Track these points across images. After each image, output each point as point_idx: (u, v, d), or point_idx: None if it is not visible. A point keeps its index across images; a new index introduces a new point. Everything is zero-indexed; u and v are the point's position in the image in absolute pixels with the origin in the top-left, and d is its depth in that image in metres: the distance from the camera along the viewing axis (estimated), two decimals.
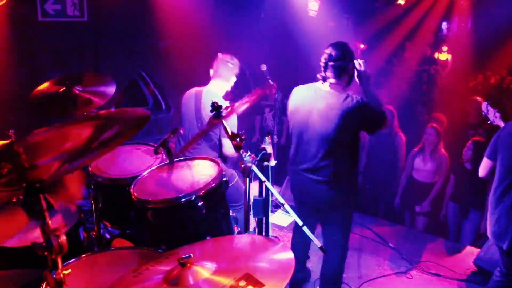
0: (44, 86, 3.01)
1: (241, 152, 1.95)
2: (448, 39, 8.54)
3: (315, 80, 3.04)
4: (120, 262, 1.95)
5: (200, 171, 2.51)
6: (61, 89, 2.93)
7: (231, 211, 2.55)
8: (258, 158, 1.98)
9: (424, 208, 4.87)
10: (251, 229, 2.16)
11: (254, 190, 2.07)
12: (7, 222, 1.34)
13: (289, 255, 1.52)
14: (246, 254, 1.67)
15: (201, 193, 2.24)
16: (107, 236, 3.11)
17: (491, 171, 3.11)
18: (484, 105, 3.40)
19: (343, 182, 2.97)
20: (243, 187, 1.99)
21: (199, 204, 2.21)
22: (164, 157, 2.73)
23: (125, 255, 2.04)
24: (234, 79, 3.48)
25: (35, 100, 2.94)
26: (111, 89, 3.03)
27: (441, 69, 8.13)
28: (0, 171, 1.16)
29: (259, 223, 2.06)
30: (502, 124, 3.27)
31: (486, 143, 3.26)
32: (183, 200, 2.22)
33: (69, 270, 1.33)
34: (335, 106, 2.83)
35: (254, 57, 5.67)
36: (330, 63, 2.85)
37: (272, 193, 1.99)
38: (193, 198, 2.22)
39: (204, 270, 1.43)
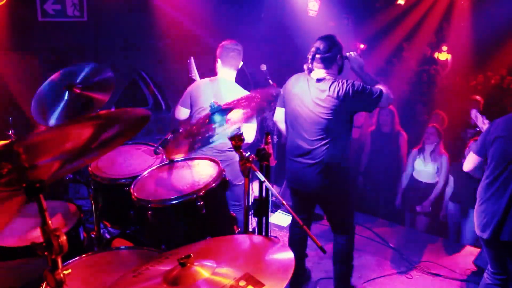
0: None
1: (240, 152, 1.95)
2: (448, 39, 8.53)
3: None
4: (120, 262, 1.95)
5: (200, 171, 2.51)
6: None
7: (231, 211, 2.56)
8: (258, 158, 1.98)
9: (425, 208, 4.87)
10: (251, 229, 2.15)
11: (254, 190, 2.07)
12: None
13: (289, 255, 1.52)
14: (246, 254, 1.67)
15: (201, 193, 2.24)
16: (107, 236, 3.11)
17: (478, 167, 3.07)
18: (473, 112, 3.29)
19: (336, 165, 3.10)
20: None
21: (199, 204, 2.22)
22: (164, 157, 2.73)
23: (125, 255, 2.04)
24: (241, 63, 3.51)
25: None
26: (110, 78, 2.98)
27: (441, 69, 8.12)
28: (0, 171, 1.16)
29: (259, 223, 2.05)
30: None
31: None
32: (183, 200, 2.22)
33: (69, 270, 1.33)
34: (325, 92, 3.00)
35: (254, 57, 5.66)
36: (318, 56, 3.06)
37: (272, 193, 1.99)
38: (193, 198, 2.22)
39: (204, 270, 1.43)
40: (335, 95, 2.96)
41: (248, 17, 6.51)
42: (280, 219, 4.86)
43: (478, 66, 7.94)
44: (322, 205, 3.36)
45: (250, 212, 2.31)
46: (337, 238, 3.34)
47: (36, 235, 1.71)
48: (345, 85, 2.97)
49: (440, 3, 7.97)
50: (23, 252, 2.09)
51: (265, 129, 6.05)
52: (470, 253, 4.22)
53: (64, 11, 5.08)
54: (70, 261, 1.91)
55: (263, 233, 2.06)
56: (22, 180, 1.23)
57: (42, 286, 1.62)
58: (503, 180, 2.84)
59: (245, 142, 3.51)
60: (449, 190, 4.79)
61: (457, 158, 4.71)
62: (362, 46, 8.14)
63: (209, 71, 3.70)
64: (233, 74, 3.46)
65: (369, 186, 5.42)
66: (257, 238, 1.82)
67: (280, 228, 4.68)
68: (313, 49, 3.08)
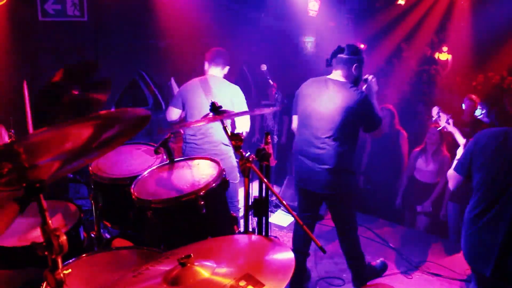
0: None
1: (240, 152, 1.96)
2: (448, 39, 8.54)
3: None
4: (120, 262, 1.95)
5: (200, 171, 2.51)
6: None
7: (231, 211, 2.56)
8: (258, 158, 1.98)
9: (425, 208, 4.87)
10: (251, 229, 2.15)
11: (254, 190, 2.07)
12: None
13: (289, 255, 1.52)
14: (246, 254, 1.67)
15: (201, 193, 2.24)
16: (107, 236, 3.11)
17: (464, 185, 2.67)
18: (435, 110, 3.10)
19: (343, 165, 3.18)
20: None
21: (200, 204, 2.21)
22: (164, 157, 2.73)
23: (125, 255, 2.04)
24: (227, 68, 3.76)
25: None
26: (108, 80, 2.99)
27: (441, 69, 8.12)
28: (0, 171, 1.16)
29: (259, 223, 2.05)
30: (455, 132, 3.01)
31: None
32: (184, 200, 2.22)
33: (69, 270, 1.33)
34: (341, 94, 3.10)
35: (254, 57, 5.67)
36: (340, 55, 3.16)
37: (272, 193, 1.99)
38: (194, 198, 2.22)
39: (204, 270, 1.43)
40: (350, 100, 3.06)
41: (248, 17, 6.51)
42: (280, 219, 4.86)
43: (478, 66, 7.94)
44: (328, 204, 3.43)
45: (250, 212, 2.31)
46: (342, 236, 3.43)
47: (36, 235, 1.72)
48: (363, 95, 3.10)
49: (440, 3, 7.97)
50: (23, 252, 2.09)
51: (265, 129, 6.06)
52: None
53: (64, 11, 5.09)
54: (70, 261, 1.91)
55: (263, 233, 2.06)
56: (22, 180, 1.23)
57: (42, 286, 1.62)
58: (496, 213, 2.37)
59: (242, 131, 3.64)
60: (449, 190, 4.79)
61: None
62: (362, 46, 8.16)
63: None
64: (220, 71, 3.71)
65: (369, 186, 5.43)
66: (257, 238, 1.82)
67: (280, 228, 4.68)
68: (336, 47, 3.21)
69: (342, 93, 3.10)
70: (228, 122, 3.35)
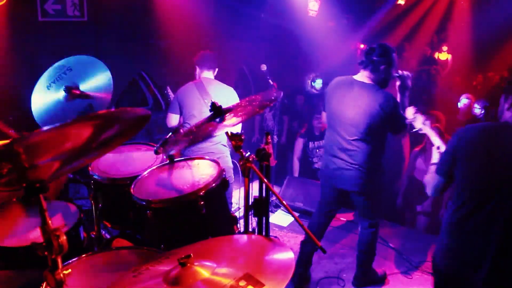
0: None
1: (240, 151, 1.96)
2: (448, 39, 8.54)
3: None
4: (120, 262, 1.95)
5: (200, 171, 2.51)
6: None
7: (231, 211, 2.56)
8: (258, 158, 1.98)
9: (425, 208, 4.87)
10: (251, 229, 2.15)
11: (254, 190, 2.07)
12: (3, 220, 1.34)
13: (289, 255, 1.52)
14: (246, 254, 1.67)
15: (201, 193, 2.24)
16: (107, 236, 3.11)
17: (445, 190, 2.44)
18: (410, 110, 2.96)
19: (370, 164, 3.24)
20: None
21: (199, 204, 2.21)
22: (164, 157, 2.73)
23: (125, 255, 2.04)
24: (217, 70, 3.87)
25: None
26: (109, 80, 3.00)
27: (441, 69, 8.12)
28: (0, 171, 1.16)
29: (259, 223, 2.05)
30: (432, 135, 2.81)
31: None
32: (183, 200, 2.22)
33: (69, 270, 1.33)
34: (365, 97, 3.12)
35: (254, 57, 5.67)
36: (369, 56, 3.16)
37: (272, 193, 1.99)
38: (193, 198, 2.22)
39: (204, 270, 1.43)
40: (375, 103, 3.09)
41: (248, 17, 6.51)
42: (280, 219, 4.86)
43: (478, 66, 7.94)
44: (354, 200, 3.48)
45: (250, 212, 2.31)
46: (364, 229, 3.49)
47: (37, 235, 1.72)
48: (388, 98, 3.11)
49: (440, 3, 7.97)
50: (23, 252, 2.09)
51: (265, 129, 6.06)
52: None
53: (64, 11, 5.09)
54: (70, 261, 1.91)
55: (263, 233, 2.06)
56: (22, 180, 1.24)
57: (42, 286, 1.62)
58: (487, 214, 2.10)
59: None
60: (449, 189, 4.78)
61: None
62: (362, 46, 8.16)
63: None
64: (211, 74, 3.82)
65: None
66: (257, 238, 1.82)
67: (280, 228, 4.68)
68: (367, 48, 3.23)
69: (367, 96, 3.12)
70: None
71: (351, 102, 3.17)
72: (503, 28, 7.21)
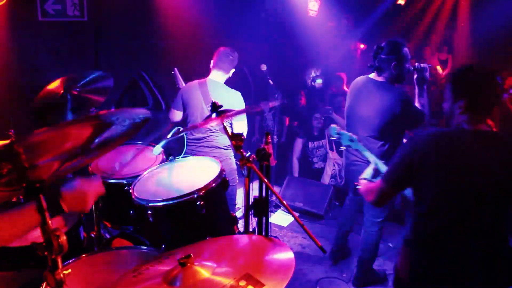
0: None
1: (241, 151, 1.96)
2: (448, 39, 8.55)
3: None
4: (120, 262, 1.95)
5: (200, 171, 2.51)
6: (60, 92, 2.92)
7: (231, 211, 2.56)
8: (258, 158, 1.98)
9: None
10: (251, 229, 2.16)
11: (254, 190, 2.08)
12: (11, 223, 1.34)
13: (289, 255, 1.52)
14: (246, 254, 1.67)
15: (201, 193, 2.24)
16: (107, 236, 3.11)
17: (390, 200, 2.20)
18: (333, 128, 2.84)
19: (385, 160, 3.25)
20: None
21: (199, 204, 2.22)
22: (164, 157, 2.74)
23: (125, 255, 2.04)
24: (233, 70, 3.67)
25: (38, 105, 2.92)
26: (109, 83, 3.02)
27: (441, 69, 8.13)
28: (0, 171, 1.16)
29: (259, 223, 2.05)
30: (364, 150, 2.77)
31: None
32: (183, 200, 2.22)
33: (69, 270, 1.33)
34: (378, 95, 3.18)
35: (254, 57, 5.67)
36: (377, 56, 3.23)
37: (272, 193, 1.99)
38: (193, 198, 2.22)
39: (204, 270, 1.43)
40: (388, 101, 3.13)
41: (248, 17, 6.51)
42: (280, 219, 4.86)
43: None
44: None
45: (250, 212, 2.31)
46: (368, 228, 3.53)
47: (37, 235, 1.72)
48: (400, 95, 3.14)
49: (440, 3, 7.98)
50: (23, 252, 2.09)
51: (265, 129, 6.06)
52: None
53: (64, 11, 5.08)
54: (70, 261, 1.91)
55: (263, 233, 2.06)
56: (22, 180, 1.24)
57: (42, 286, 1.62)
58: (466, 228, 1.89)
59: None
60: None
61: None
62: (362, 46, 8.17)
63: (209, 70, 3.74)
64: (223, 77, 3.63)
65: None
66: (257, 238, 1.82)
67: (280, 228, 4.68)
68: (376, 47, 3.29)
69: (378, 94, 3.18)
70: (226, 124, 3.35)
71: (364, 101, 3.27)
72: (503, 28, 7.21)
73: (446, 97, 2.01)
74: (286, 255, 1.53)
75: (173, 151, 2.72)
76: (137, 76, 5.63)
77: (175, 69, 4.07)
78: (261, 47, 6.53)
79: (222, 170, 2.41)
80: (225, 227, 2.45)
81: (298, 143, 5.68)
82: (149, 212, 2.26)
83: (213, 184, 2.30)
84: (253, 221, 2.07)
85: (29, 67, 4.99)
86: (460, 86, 1.96)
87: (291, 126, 6.24)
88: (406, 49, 3.24)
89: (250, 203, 2.02)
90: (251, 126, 6.31)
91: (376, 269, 3.74)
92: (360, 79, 3.42)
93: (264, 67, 4.63)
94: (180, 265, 1.43)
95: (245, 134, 3.61)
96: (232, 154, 3.72)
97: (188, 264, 1.43)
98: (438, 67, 8.15)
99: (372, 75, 3.32)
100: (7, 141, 1.10)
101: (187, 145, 3.75)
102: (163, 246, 2.28)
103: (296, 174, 5.70)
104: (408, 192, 2.13)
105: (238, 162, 2.87)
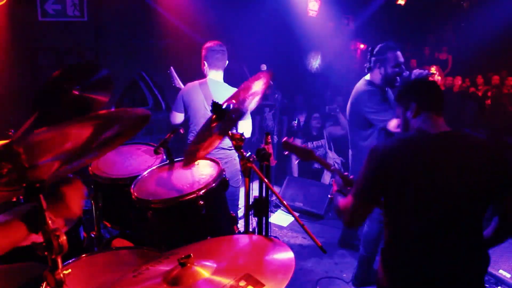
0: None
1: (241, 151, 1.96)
2: (448, 39, 8.55)
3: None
4: (120, 262, 1.95)
5: (200, 171, 2.51)
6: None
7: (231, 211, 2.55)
8: (258, 158, 1.98)
9: None
10: (251, 229, 2.16)
11: (254, 190, 2.08)
12: (4, 234, 1.35)
13: (289, 255, 1.52)
14: (246, 254, 1.67)
15: (201, 193, 2.23)
16: (107, 236, 3.11)
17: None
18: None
19: (355, 151, 3.60)
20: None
21: (199, 204, 2.21)
22: (164, 157, 2.73)
23: (125, 255, 2.03)
24: (227, 62, 3.65)
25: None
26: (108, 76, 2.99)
27: (441, 69, 8.13)
28: (0, 171, 1.16)
29: (259, 223, 2.05)
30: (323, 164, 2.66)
31: None
32: (184, 200, 2.22)
33: (69, 270, 1.33)
34: (354, 90, 3.45)
35: (254, 57, 5.67)
36: (368, 57, 3.42)
37: (272, 193, 1.99)
38: (194, 198, 2.22)
39: (204, 270, 1.43)
40: (353, 97, 3.42)
41: (248, 17, 6.52)
42: (280, 219, 4.87)
43: (478, 66, 7.95)
44: None
45: (250, 212, 2.31)
46: (372, 225, 3.55)
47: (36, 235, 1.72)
48: (361, 94, 3.35)
49: (440, 3, 7.98)
50: (23, 252, 2.09)
51: (265, 129, 6.06)
52: None
53: (64, 11, 5.09)
54: (70, 261, 1.91)
55: (263, 233, 2.06)
56: (22, 180, 1.23)
57: (42, 286, 1.62)
58: (446, 238, 1.84)
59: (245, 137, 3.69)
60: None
61: None
62: (362, 46, 8.17)
63: None
64: (220, 74, 3.61)
65: None
66: (257, 238, 1.82)
67: (280, 228, 4.68)
68: (369, 51, 3.49)
69: (354, 90, 3.44)
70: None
71: (351, 97, 3.51)
72: (503, 28, 7.22)
73: (398, 113, 2.08)
74: (286, 255, 1.53)
75: (173, 151, 2.71)
76: (137, 76, 5.64)
77: (171, 67, 4.04)
78: (261, 47, 6.54)
79: (222, 170, 2.41)
80: (225, 227, 2.45)
81: (297, 143, 5.68)
82: (149, 212, 2.26)
83: (213, 184, 2.30)
84: (253, 221, 2.08)
85: (29, 67, 5.00)
86: (407, 93, 2.07)
87: (291, 126, 6.25)
88: (394, 53, 3.27)
89: (250, 203, 2.02)
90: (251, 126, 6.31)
91: (376, 269, 3.74)
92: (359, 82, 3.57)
93: (264, 67, 4.64)
94: (180, 265, 1.43)
95: (249, 134, 3.59)
96: (237, 155, 3.65)
97: (188, 264, 1.43)
98: (437, 76, 8.16)
99: (367, 76, 3.47)
100: (7, 141, 1.10)
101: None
102: (163, 246, 2.27)
103: (295, 174, 5.70)
104: None
105: None
